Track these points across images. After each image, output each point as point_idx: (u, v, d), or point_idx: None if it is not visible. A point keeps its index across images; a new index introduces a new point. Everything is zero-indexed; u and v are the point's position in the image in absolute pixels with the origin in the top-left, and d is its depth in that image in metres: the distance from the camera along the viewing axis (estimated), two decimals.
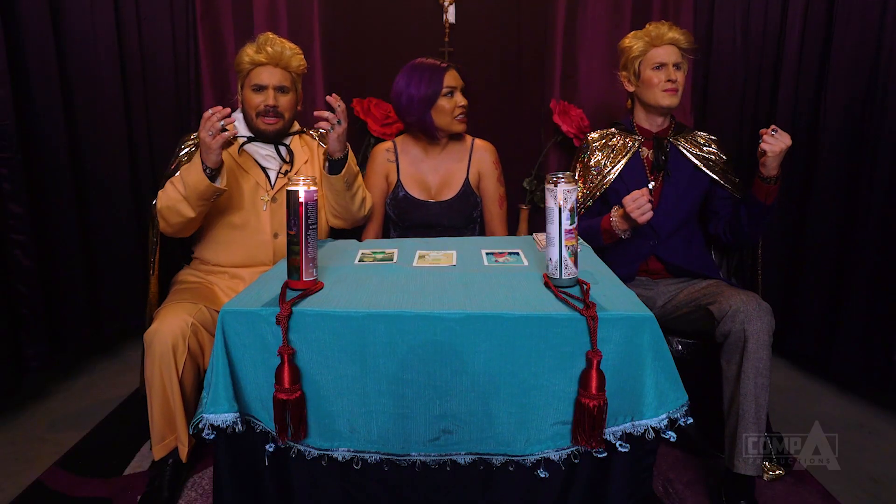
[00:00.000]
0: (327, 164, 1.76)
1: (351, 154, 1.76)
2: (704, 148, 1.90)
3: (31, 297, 2.03)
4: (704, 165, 1.87)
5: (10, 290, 1.99)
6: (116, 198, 2.41)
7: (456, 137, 2.01)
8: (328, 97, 1.65)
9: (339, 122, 1.66)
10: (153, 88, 2.53)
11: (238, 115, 1.85)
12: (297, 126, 1.91)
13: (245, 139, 1.81)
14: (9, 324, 1.97)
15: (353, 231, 2.08)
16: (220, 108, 1.53)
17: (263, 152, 1.81)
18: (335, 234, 1.99)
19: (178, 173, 1.67)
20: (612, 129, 1.97)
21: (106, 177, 2.37)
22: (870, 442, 1.91)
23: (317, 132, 1.96)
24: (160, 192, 1.68)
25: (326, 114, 1.65)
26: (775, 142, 1.62)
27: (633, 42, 1.87)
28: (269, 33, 1.77)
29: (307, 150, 1.89)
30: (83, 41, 2.25)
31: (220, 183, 1.61)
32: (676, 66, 1.84)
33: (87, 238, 2.33)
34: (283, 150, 1.83)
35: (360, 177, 1.84)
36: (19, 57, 2.01)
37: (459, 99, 1.91)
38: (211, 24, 2.62)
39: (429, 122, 1.91)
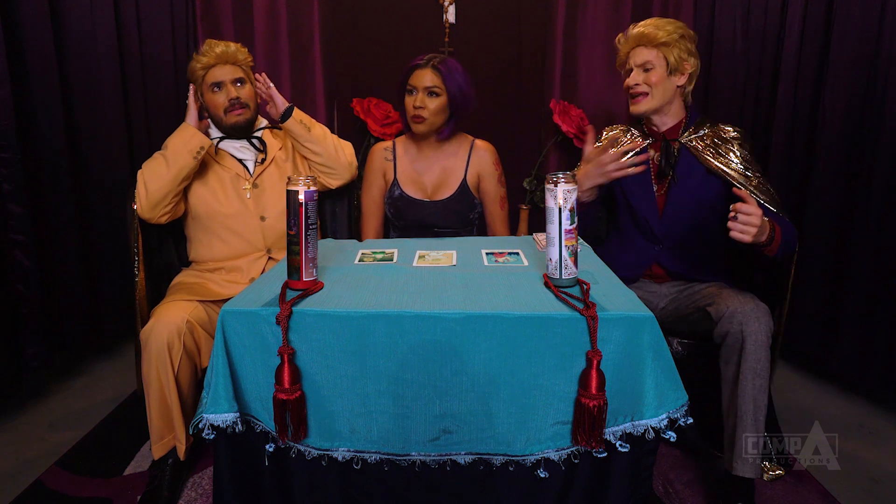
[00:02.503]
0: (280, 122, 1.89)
1: (298, 109, 1.88)
2: (722, 147, 1.74)
3: (30, 297, 2.03)
4: (718, 169, 1.71)
5: (10, 290, 1.99)
6: (116, 198, 2.40)
7: (450, 137, 1.97)
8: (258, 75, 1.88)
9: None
10: (153, 88, 2.53)
11: (210, 122, 1.91)
12: (265, 122, 1.98)
13: (218, 138, 1.89)
14: (9, 324, 1.97)
15: (353, 231, 2.08)
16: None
17: (238, 145, 1.90)
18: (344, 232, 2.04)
19: None
20: (627, 127, 1.92)
21: (106, 177, 2.37)
22: (870, 442, 1.91)
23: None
24: (139, 175, 1.75)
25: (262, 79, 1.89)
26: (744, 228, 1.42)
27: (619, 45, 1.82)
28: (210, 39, 1.86)
29: (279, 139, 1.97)
30: (83, 41, 2.25)
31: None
32: (644, 66, 1.74)
33: (87, 238, 2.33)
34: (255, 141, 1.92)
35: (320, 126, 1.92)
36: (19, 57, 2.01)
37: (418, 100, 1.87)
38: (211, 24, 2.62)
39: (402, 115, 1.98)
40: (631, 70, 1.78)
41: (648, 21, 1.77)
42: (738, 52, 2.51)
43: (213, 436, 1.16)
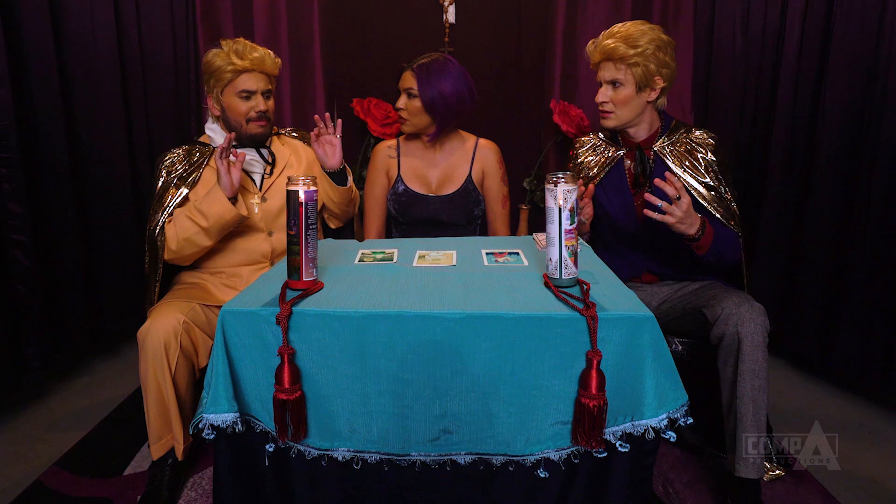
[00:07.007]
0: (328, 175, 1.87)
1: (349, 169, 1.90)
2: (693, 154, 1.72)
3: (31, 297, 2.03)
4: (690, 175, 1.69)
5: (10, 290, 1.99)
6: (116, 198, 2.41)
7: (438, 136, 1.97)
8: (327, 114, 1.84)
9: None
10: (153, 88, 2.53)
11: (215, 127, 1.84)
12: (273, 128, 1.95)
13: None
14: (9, 324, 1.97)
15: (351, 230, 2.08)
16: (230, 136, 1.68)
17: (248, 157, 1.83)
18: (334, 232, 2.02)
19: (189, 205, 1.69)
20: (600, 135, 1.87)
21: (106, 177, 2.37)
22: (870, 442, 1.91)
23: (297, 132, 2.02)
24: (169, 226, 1.68)
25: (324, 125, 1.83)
26: (673, 210, 1.47)
27: (589, 54, 1.72)
28: (241, 39, 1.77)
29: (287, 148, 1.92)
30: (83, 41, 2.25)
31: (241, 210, 1.69)
32: (612, 83, 1.66)
33: (87, 238, 2.33)
34: (264, 152, 1.86)
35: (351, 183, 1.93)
36: (19, 57, 2.01)
37: (400, 101, 1.92)
38: (211, 24, 2.62)
39: None
40: (599, 83, 1.71)
41: (620, 31, 1.64)
42: (738, 53, 2.51)
43: (213, 436, 1.16)
